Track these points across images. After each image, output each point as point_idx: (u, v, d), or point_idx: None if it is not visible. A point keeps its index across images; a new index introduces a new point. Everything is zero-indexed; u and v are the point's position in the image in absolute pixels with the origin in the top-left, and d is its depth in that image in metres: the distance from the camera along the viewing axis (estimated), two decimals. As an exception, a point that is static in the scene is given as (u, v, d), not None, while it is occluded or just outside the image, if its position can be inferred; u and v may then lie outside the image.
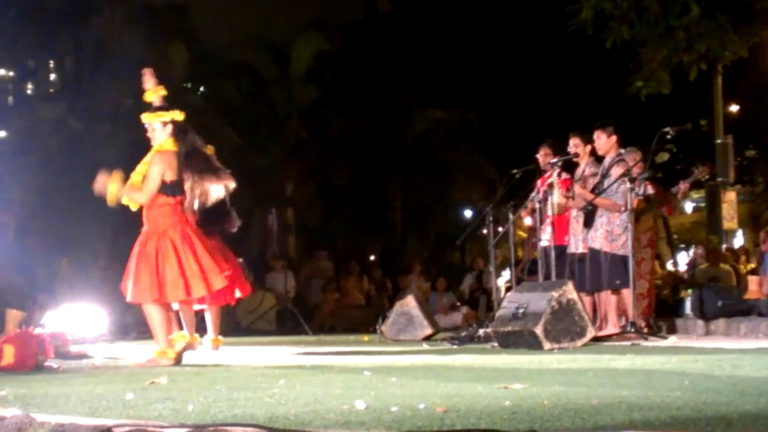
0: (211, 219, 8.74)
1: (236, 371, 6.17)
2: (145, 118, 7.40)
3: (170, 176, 7.20)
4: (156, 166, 7.19)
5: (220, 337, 9.33)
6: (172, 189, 7.22)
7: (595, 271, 9.30)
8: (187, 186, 7.53)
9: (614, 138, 9.47)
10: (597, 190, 9.35)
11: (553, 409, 3.47)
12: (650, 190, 9.94)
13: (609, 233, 9.23)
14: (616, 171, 9.28)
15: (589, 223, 9.39)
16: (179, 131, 7.36)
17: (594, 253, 9.34)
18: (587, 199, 9.32)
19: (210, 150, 8.12)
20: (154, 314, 7.14)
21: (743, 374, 4.84)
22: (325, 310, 16.84)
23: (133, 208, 7.29)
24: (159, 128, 7.32)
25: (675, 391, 3.97)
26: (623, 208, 9.08)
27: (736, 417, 3.17)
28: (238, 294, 9.34)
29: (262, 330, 15.32)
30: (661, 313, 11.17)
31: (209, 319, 9.35)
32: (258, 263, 19.03)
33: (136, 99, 19.24)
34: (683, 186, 9.68)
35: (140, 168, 7.28)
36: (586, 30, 12.13)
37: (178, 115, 7.39)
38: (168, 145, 7.29)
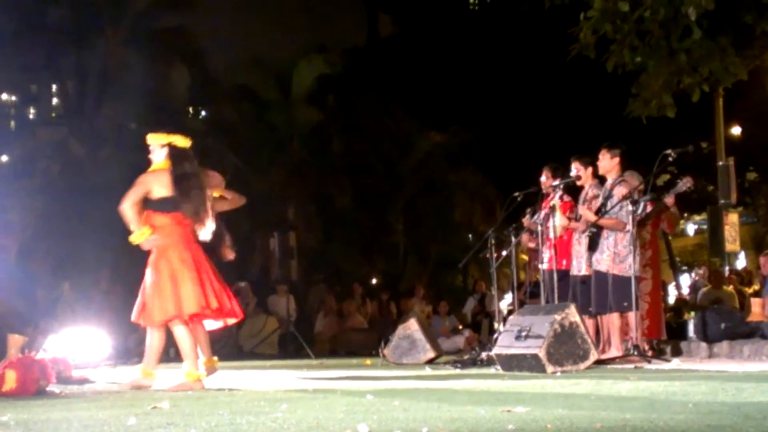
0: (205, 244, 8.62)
1: (239, 395, 6.14)
2: (149, 138, 7.49)
3: (160, 193, 7.22)
4: (140, 183, 7.25)
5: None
6: (162, 205, 7.23)
7: (601, 294, 9.28)
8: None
9: (617, 160, 9.49)
10: (600, 212, 9.36)
11: (556, 433, 3.45)
12: (648, 208, 9.94)
13: (616, 255, 9.21)
14: (619, 191, 9.29)
15: (593, 246, 9.37)
16: (178, 156, 7.38)
17: (600, 275, 9.32)
18: (591, 220, 9.32)
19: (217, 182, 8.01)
20: (182, 334, 7.22)
21: (747, 397, 4.82)
22: (327, 334, 16.79)
23: (141, 238, 7.27)
24: (156, 149, 7.40)
25: (679, 414, 3.95)
26: (628, 227, 9.08)
27: (741, 441, 3.16)
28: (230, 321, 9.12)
29: (264, 354, 15.28)
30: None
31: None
32: (260, 287, 19.00)
33: (138, 122, 19.41)
34: (668, 199, 9.67)
35: None
36: (588, 55, 12.13)
37: (180, 140, 7.42)
38: (161, 165, 7.34)
